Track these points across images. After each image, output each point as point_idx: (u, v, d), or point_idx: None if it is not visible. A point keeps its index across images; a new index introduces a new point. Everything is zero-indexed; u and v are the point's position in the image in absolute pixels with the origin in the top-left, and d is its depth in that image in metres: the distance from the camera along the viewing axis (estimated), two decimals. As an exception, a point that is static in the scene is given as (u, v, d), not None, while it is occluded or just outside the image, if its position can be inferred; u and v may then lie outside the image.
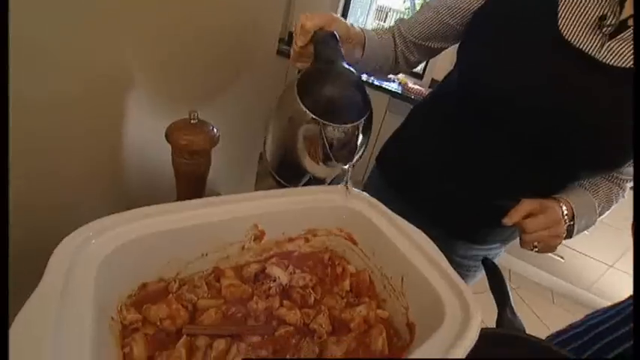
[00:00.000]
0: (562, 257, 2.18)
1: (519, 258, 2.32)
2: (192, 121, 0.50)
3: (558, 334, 0.78)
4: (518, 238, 0.66)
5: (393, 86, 2.35)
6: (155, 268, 0.45)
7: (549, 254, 2.16)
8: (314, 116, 0.50)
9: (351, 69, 0.54)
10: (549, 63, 0.58)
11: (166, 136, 0.50)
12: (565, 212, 0.63)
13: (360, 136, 0.53)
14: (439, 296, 0.45)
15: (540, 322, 2.06)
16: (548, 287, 2.32)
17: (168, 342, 0.41)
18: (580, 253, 2.11)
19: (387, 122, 2.27)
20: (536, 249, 0.63)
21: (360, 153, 0.54)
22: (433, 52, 0.76)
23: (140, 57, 0.53)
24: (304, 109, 0.50)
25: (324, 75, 0.53)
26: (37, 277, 0.33)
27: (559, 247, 2.08)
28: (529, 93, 0.59)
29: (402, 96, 2.24)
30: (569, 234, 0.66)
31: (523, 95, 0.59)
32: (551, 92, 0.58)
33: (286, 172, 0.61)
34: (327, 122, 0.50)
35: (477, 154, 0.67)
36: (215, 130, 0.52)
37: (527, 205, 0.61)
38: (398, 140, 0.86)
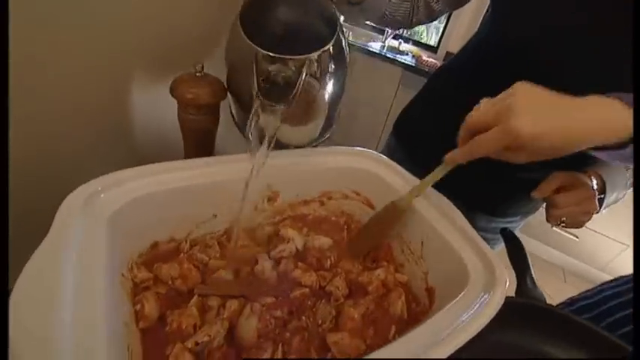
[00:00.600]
0: (576, 236, 2.14)
1: (530, 236, 2.29)
2: (197, 74, 0.47)
3: (572, 302, 0.76)
4: (544, 211, 0.63)
5: (407, 59, 2.26)
6: (166, 227, 0.43)
7: (562, 232, 2.13)
8: (247, 39, 0.41)
9: None
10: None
11: (171, 90, 0.47)
12: (595, 186, 0.59)
13: (303, 76, 0.42)
14: (462, 260, 0.43)
15: (551, 299, 2.05)
16: (559, 266, 2.30)
17: (180, 301, 0.40)
18: (595, 231, 2.07)
19: (399, 97, 2.21)
20: (563, 224, 0.60)
21: (294, 96, 0.43)
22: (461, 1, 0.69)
23: (142, 9, 0.50)
24: (242, 34, 0.42)
25: None
26: (44, 233, 0.32)
27: (575, 225, 1.99)
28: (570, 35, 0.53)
29: (416, 69, 2.16)
30: (598, 209, 0.63)
31: (562, 38, 0.54)
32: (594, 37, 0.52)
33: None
34: (258, 47, 0.41)
35: None
36: (222, 83, 0.49)
37: (558, 178, 0.57)
38: (414, 110, 0.82)
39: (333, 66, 0.47)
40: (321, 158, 0.52)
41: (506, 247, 0.66)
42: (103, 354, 0.26)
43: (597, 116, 0.36)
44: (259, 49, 0.41)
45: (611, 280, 0.73)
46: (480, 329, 0.35)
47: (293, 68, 0.43)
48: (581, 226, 0.62)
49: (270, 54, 0.41)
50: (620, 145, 0.38)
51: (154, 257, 0.42)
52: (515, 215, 0.78)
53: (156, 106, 0.57)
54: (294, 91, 0.42)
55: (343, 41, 0.48)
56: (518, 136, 0.35)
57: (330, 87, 0.49)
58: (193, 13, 0.57)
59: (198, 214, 0.45)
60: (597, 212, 0.64)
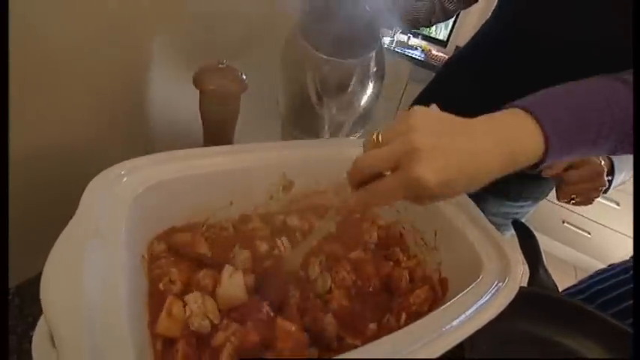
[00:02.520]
0: (589, 232, 2.12)
1: (542, 233, 2.27)
2: (220, 65, 0.48)
3: (566, 289, 0.77)
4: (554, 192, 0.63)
5: (416, 54, 2.25)
6: (184, 212, 0.45)
7: (575, 229, 2.10)
8: (308, 45, 0.48)
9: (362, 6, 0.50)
10: None
11: (194, 80, 0.48)
12: (604, 162, 0.60)
13: (354, 79, 0.49)
14: (475, 249, 0.44)
15: (561, 297, 2.03)
16: (571, 263, 2.28)
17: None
18: (608, 227, 2.04)
19: (408, 91, 2.20)
20: (574, 201, 0.61)
21: (350, 93, 0.50)
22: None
23: (165, 3, 0.51)
24: (302, 41, 0.48)
25: (328, 10, 0.49)
26: (65, 218, 0.33)
27: (586, 222, 2.00)
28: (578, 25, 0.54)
29: (425, 64, 2.15)
30: (606, 189, 0.63)
31: (571, 28, 0.54)
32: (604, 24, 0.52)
33: (300, 120, 0.58)
34: (317, 52, 0.47)
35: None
36: (244, 75, 0.50)
37: None
38: (423, 99, 0.83)
39: (374, 68, 0.52)
40: (336, 149, 0.53)
41: (518, 238, 0.66)
42: (125, 322, 0.27)
43: (495, 140, 0.32)
44: (319, 53, 0.48)
45: (602, 271, 0.73)
46: (493, 317, 0.35)
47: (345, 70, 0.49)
48: (591, 203, 0.63)
49: (327, 57, 0.48)
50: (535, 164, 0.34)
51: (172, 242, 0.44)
52: (526, 199, 0.78)
53: (177, 96, 0.58)
54: (349, 89, 0.49)
55: (383, 46, 0.54)
56: (424, 185, 0.29)
57: (372, 86, 0.53)
58: (217, 9, 0.58)
59: (216, 201, 0.46)
60: (606, 192, 0.64)
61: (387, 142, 0.31)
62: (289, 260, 0.43)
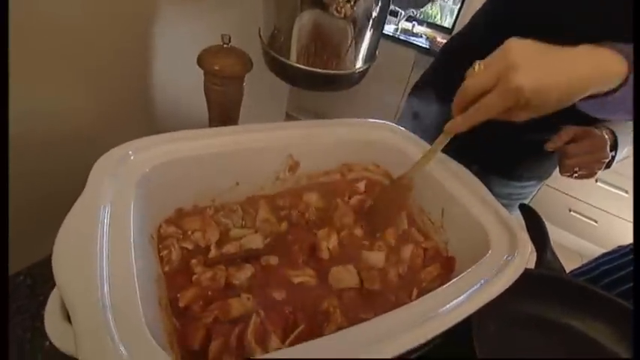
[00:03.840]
0: (595, 220, 2.10)
1: (548, 221, 2.26)
2: (225, 46, 0.48)
3: (572, 271, 0.76)
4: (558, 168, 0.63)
5: (421, 41, 2.22)
6: (190, 193, 0.45)
7: (582, 217, 2.09)
8: None
9: None
10: None
11: (198, 61, 0.48)
12: (606, 136, 0.60)
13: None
14: (483, 227, 0.43)
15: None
16: (577, 252, 2.27)
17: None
18: (615, 216, 2.02)
19: (413, 80, 2.17)
20: (576, 175, 0.61)
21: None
22: None
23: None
24: None
25: None
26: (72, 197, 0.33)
27: (592, 210, 1.97)
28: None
29: (430, 51, 2.12)
30: (609, 164, 0.62)
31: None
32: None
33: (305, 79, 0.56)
34: None
35: None
36: (248, 56, 0.50)
37: (570, 130, 0.59)
38: (426, 81, 0.82)
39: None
40: (342, 129, 0.52)
41: (525, 220, 0.66)
42: (136, 296, 0.27)
43: (592, 64, 0.37)
44: None
45: (610, 252, 0.73)
46: (502, 290, 0.35)
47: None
48: (594, 176, 0.62)
49: None
50: (612, 91, 0.39)
51: (180, 222, 0.44)
52: (530, 179, 0.78)
53: (181, 77, 0.58)
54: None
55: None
56: (521, 93, 0.34)
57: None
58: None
59: (222, 182, 0.46)
60: (609, 166, 0.64)
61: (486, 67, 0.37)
62: (405, 176, 0.47)
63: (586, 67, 0.36)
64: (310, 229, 0.47)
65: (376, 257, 0.46)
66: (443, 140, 0.44)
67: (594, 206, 2.05)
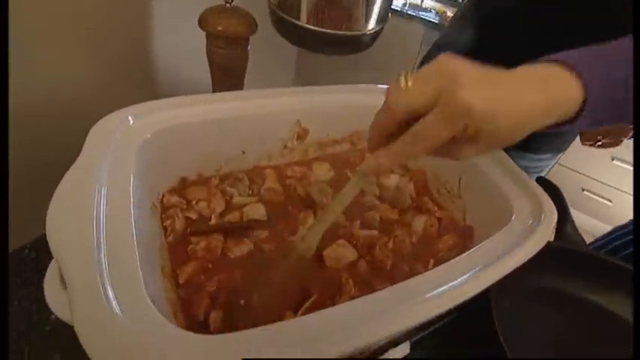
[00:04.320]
0: (610, 200, 2.05)
1: (560, 201, 2.22)
2: (227, 5, 0.45)
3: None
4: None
5: (430, 16, 2.15)
6: (194, 161, 0.43)
7: (595, 197, 2.04)
8: None
9: None
10: None
11: (200, 22, 0.45)
12: None
13: None
14: (505, 195, 0.41)
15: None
16: (589, 232, 2.23)
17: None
18: (631, 195, 1.97)
19: (421, 56, 2.11)
20: (600, 143, 0.57)
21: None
22: None
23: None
24: None
25: None
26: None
27: (607, 189, 1.93)
28: None
29: (440, 26, 2.05)
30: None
31: None
32: None
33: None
34: None
35: (526, 53, 0.59)
36: (253, 16, 0.47)
37: None
38: (438, 48, 0.79)
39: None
40: (351, 95, 0.50)
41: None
42: (136, 263, 0.26)
43: (540, 88, 0.28)
44: None
45: (622, 226, 0.71)
46: (526, 259, 0.33)
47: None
48: (617, 145, 0.59)
49: None
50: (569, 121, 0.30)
51: (184, 192, 0.42)
52: (547, 152, 0.75)
53: (182, 40, 0.55)
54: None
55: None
56: (471, 114, 0.25)
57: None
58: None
59: (227, 150, 0.44)
60: (630, 137, 0.60)
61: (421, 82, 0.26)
62: (305, 241, 0.35)
63: (534, 94, 0.28)
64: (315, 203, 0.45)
65: (392, 179, 0.45)
66: (355, 185, 0.33)
67: (609, 185, 2.00)
